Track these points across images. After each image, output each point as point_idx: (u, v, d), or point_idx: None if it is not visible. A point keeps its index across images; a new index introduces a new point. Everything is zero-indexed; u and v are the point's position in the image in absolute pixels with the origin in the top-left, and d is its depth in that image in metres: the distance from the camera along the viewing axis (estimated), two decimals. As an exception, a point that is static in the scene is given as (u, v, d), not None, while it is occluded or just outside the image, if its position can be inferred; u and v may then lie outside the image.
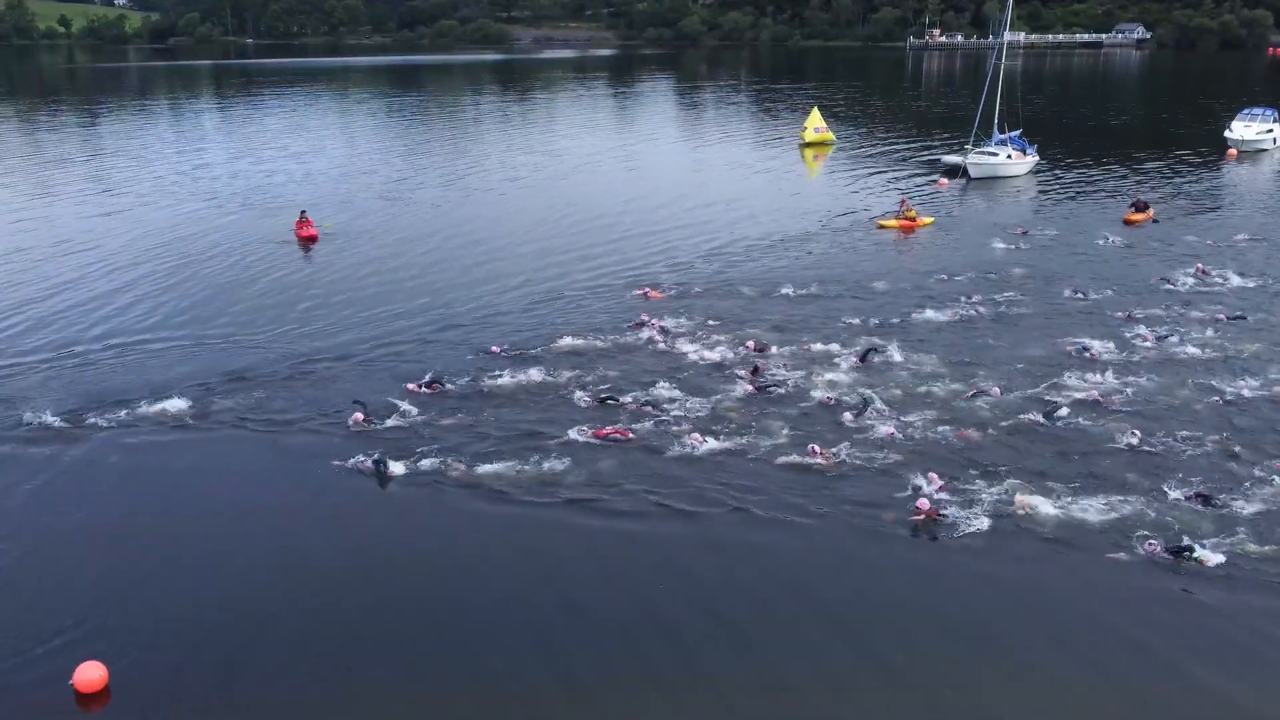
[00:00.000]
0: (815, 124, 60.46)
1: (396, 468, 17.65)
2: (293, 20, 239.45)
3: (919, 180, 48.19)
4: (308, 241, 35.01)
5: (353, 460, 18.00)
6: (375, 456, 17.90)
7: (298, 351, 24.04)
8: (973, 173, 47.20)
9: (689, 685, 12.72)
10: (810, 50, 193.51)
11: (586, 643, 13.47)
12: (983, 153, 48.10)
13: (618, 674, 12.94)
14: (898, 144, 62.86)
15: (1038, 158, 49.90)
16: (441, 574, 15.16)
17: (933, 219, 38.15)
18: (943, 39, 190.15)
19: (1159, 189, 44.71)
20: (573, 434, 18.87)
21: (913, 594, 14.39)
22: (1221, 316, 25.87)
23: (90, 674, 12.66)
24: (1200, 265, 30.69)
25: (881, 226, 37.11)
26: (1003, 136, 49.13)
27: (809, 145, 59.84)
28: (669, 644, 13.38)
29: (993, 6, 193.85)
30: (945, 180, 46.90)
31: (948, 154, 51.28)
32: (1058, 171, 49.96)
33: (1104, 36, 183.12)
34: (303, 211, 36.43)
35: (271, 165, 55.35)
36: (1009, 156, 48.25)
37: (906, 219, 37.02)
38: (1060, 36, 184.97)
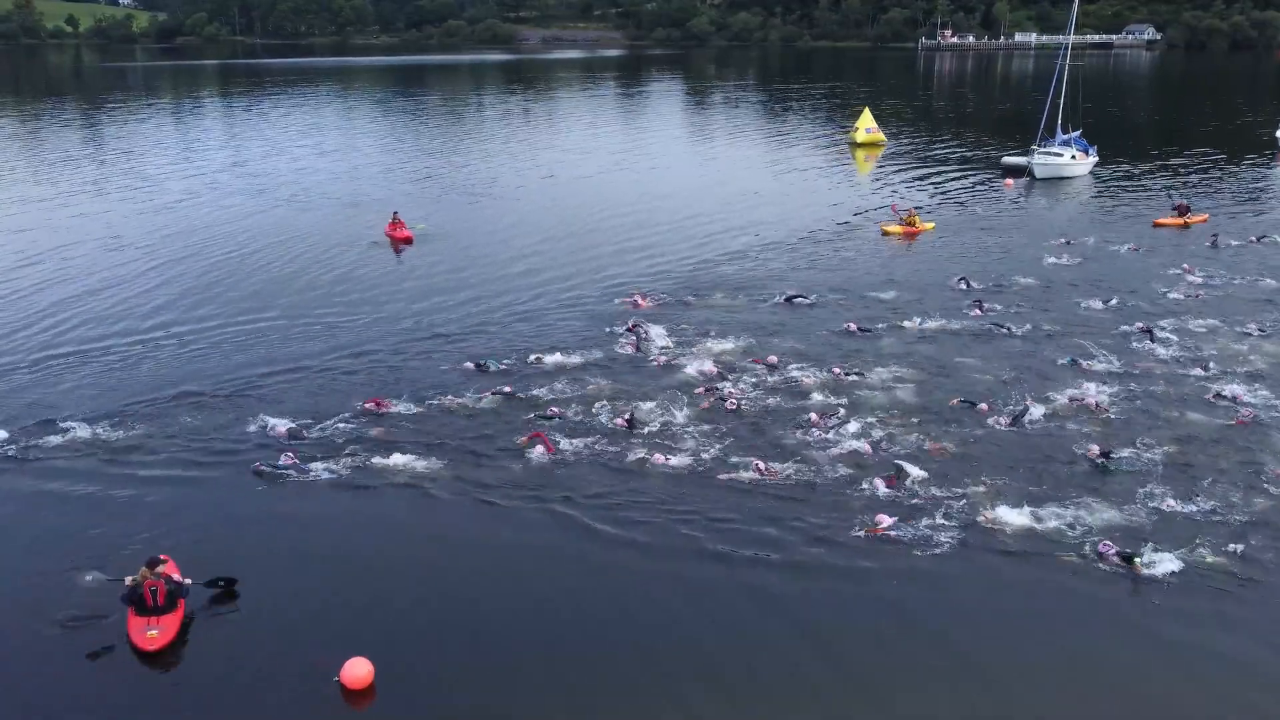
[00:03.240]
0: (866, 125, 60.73)
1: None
2: (300, 20, 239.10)
3: (980, 180, 48.46)
4: (401, 243, 34.89)
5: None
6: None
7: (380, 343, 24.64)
8: (1038, 173, 47.51)
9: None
10: (819, 51, 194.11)
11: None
12: (1048, 153, 48.39)
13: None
14: (945, 144, 63.25)
15: (1097, 159, 50.21)
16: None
17: (933, 224, 37.61)
18: (954, 40, 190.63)
19: (1210, 192, 44.82)
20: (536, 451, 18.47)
21: (875, 605, 14.28)
22: (1252, 329, 25.37)
23: (358, 670, 12.75)
24: (1194, 272, 30.38)
25: (886, 233, 36.61)
26: (1066, 137, 49.44)
27: (860, 146, 60.05)
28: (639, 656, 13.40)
29: (1002, 8, 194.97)
30: (1011, 181, 47.16)
31: (1010, 154, 51.50)
32: (1112, 173, 50.24)
33: (1114, 37, 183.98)
34: (395, 213, 36.18)
35: (310, 164, 55.56)
36: (1073, 157, 48.56)
37: (908, 224, 36.62)
38: (1071, 38, 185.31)
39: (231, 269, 32.30)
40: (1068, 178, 48.03)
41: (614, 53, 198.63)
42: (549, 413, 19.83)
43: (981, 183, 47.95)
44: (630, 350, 23.58)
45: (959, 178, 49.53)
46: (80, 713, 12.43)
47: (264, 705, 12.55)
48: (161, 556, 14.05)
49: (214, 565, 14.77)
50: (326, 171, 52.65)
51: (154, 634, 13.22)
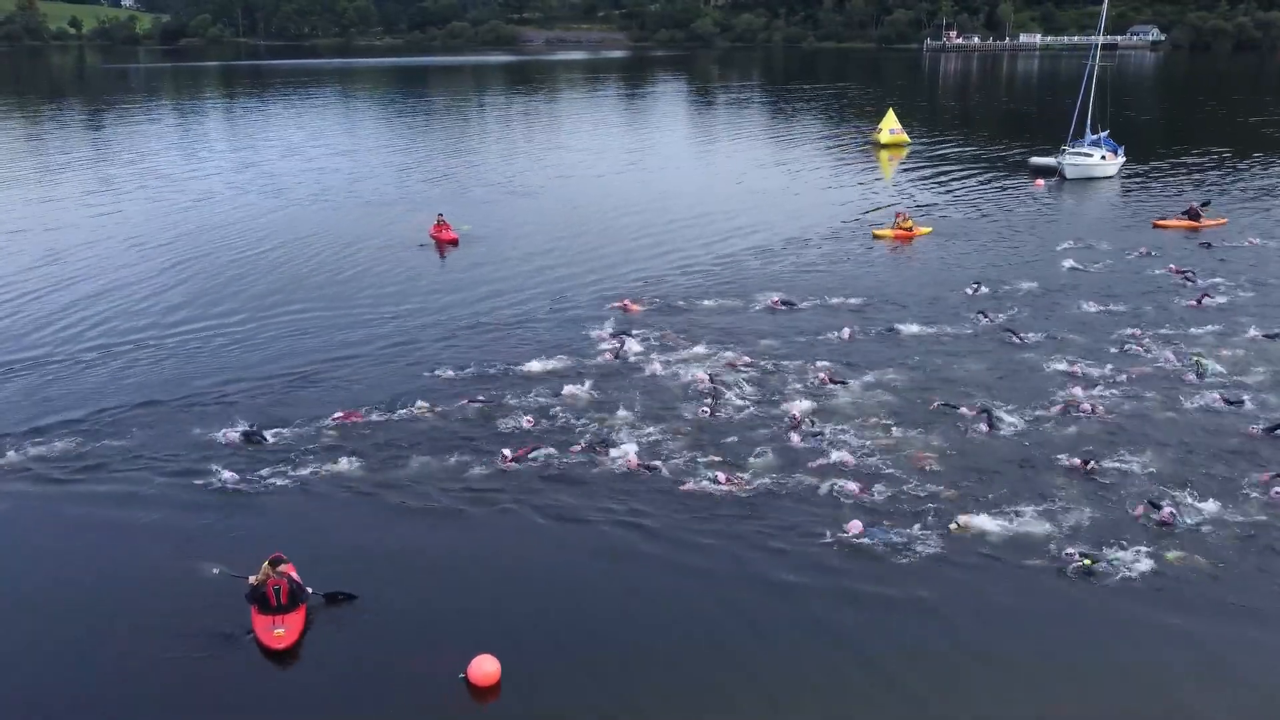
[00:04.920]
0: (890, 125, 60.87)
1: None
2: (304, 21, 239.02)
3: (1009, 181, 48.58)
4: (447, 245, 34.98)
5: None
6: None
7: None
8: (1068, 174, 47.65)
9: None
10: (824, 52, 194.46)
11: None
12: (1078, 153, 48.52)
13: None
14: (967, 145, 63.38)
15: (1125, 159, 50.36)
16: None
17: (931, 228, 37.00)
18: (959, 41, 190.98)
19: (1227, 193, 44.78)
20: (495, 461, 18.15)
21: (838, 612, 14.18)
22: (1256, 334, 24.85)
23: (485, 667, 12.82)
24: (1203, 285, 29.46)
25: (876, 237, 36.00)
26: (1095, 137, 49.57)
27: (884, 147, 60.19)
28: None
29: (1007, 9, 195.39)
30: (1041, 181, 47.30)
31: (1037, 155, 51.66)
32: (1134, 173, 50.29)
33: (1119, 38, 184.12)
34: (440, 215, 36.26)
35: (327, 164, 55.74)
36: (1102, 157, 48.71)
37: (902, 229, 36.12)
38: (1075, 38, 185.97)
39: (278, 267, 32.60)
40: (1098, 178, 48.16)
41: (618, 54, 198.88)
42: (524, 424, 19.58)
43: (1010, 184, 47.99)
44: (607, 359, 23.13)
45: (986, 179, 49.58)
46: (211, 710, 12.51)
47: (391, 702, 12.62)
48: (280, 555, 14.12)
49: (324, 564, 14.90)
50: (346, 172, 52.84)
51: (281, 632, 13.29)
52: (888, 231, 36.22)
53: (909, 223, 36.59)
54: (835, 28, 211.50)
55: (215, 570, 14.32)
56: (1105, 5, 52.45)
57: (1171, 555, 15.08)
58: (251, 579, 13.69)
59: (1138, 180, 48.72)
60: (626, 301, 27.60)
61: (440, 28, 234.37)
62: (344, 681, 13.02)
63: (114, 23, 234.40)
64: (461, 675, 12.76)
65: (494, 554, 15.79)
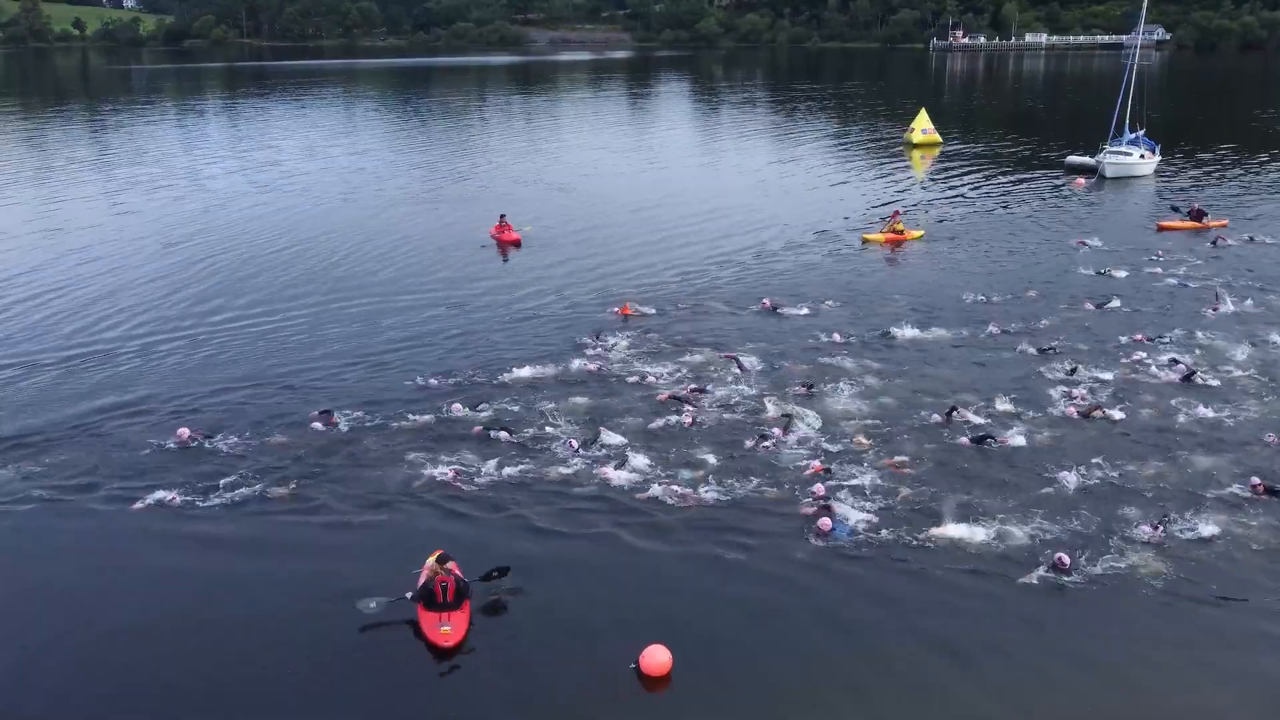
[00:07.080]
0: (923, 125, 61.13)
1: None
2: (307, 23, 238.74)
3: (1047, 180, 48.83)
4: (509, 246, 35.11)
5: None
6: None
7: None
8: (1108, 173, 47.90)
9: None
10: (829, 52, 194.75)
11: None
12: (1117, 152, 48.80)
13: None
14: (999, 144, 63.67)
15: (1160, 157, 50.68)
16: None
17: (923, 232, 36.74)
18: (965, 41, 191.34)
19: (1236, 193, 45.13)
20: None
21: (806, 614, 14.23)
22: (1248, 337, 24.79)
23: (658, 657, 12.99)
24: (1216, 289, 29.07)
25: (866, 241, 35.69)
26: (1132, 136, 49.86)
27: (916, 146, 60.45)
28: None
29: (1011, 9, 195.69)
30: (1082, 180, 47.57)
31: (1074, 154, 51.93)
32: (1168, 172, 50.53)
33: (1124, 38, 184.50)
34: (502, 215, 36.34)
35: (349, 163, 56.03)
36: (1141, 156, 49.01)
37: (894, 232, 35.70)
38: (1081, 38, 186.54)
39: (359, 267, 33.03)
40: (1136, 176, 48.45)
41: (622, 54, 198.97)
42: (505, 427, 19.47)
43: (1047, 183, 48.18)
44: (597, 365, 22.94)
45: (1022, 178, 49.68)
46: (384, 709, 12.58)
47: (563, 692, 12.79)
48: (444, 551, 14.26)
49: (480, 562, 15.05)
50: (371, 172, 53.10)
51: (448, 630, 13.35)
52: (878, 236, 35.76)
53: (900, 224, 36.23)
54: (839, 28, 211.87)
55: (372, 604, 13.74)
56: (1145, 5, 52.72)
57: (1158, 565, 15.06)
58: (420, 579, 13.82)
59: (1165, 179, 48.89)
60: (625, 306, 27.43)
61: (444, 29, 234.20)
62: (514, 674, 13.17)
63: (118, 24, 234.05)
64: (633, 665, 12.97)
65: (633, 549, 15.94)
